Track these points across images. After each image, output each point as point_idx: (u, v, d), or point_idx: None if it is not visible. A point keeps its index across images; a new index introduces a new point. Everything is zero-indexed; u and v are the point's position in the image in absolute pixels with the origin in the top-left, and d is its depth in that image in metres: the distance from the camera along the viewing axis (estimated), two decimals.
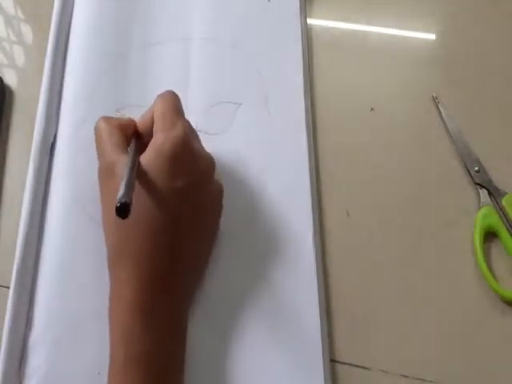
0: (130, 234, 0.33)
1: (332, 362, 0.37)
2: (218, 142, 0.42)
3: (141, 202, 0.32)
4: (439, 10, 0.50)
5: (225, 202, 0.39)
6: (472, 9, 0.50)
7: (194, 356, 0.36)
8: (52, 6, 0.46)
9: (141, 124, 0.37)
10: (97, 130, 0.37)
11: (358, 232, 0.41)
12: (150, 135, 0.35)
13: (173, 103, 0.36)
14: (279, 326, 0.37)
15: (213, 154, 0.41)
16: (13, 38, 0.48)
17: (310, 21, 0.49)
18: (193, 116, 0.43)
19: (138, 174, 0.32)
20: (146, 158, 0.33)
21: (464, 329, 0.39)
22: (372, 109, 0.45)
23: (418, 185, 0.43)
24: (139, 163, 0.33)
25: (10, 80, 0.46)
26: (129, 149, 0.35)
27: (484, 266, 0.39)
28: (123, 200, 0.29)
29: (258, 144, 0.43)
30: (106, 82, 0.44)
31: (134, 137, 0.36)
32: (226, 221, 0.40)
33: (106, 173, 0.35)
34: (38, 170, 0.40)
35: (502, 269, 0.40)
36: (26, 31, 0.48)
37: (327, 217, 0.41)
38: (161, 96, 0.37)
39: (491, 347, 0.38)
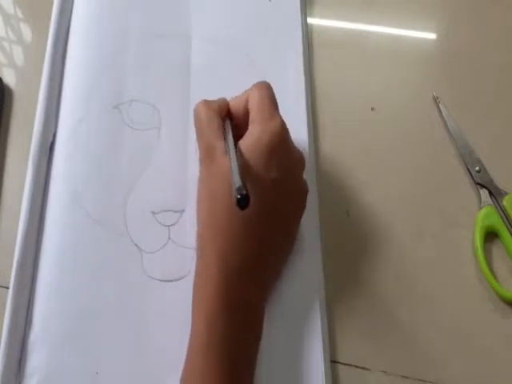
0: (224, 222, 0.33)
1: (332, 362, 0.37)
2: None
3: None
4: (439, 9, 0.50)
5: None
6: (472, 9, 0.50)
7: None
8: (51, 6, 0.46)
9: (234, 106, 0.37)
10: (196, 113, 0.37)
11: (358, 232, 0.41)
12: (241, 118, 0.36)
13: (270, 94, 0.36)
14: (279, 326, 0.37)
15: None
16: (12, 37, 0.48)
17: (310, 21, 0.49)
18: (193, 116, 0.43)
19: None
20: (244, 147, 0.34)
21: (464, 329, 0.39)
22: (372, 108, 0.45)
23: (419, 185, 0.43)
24: (242, 146, 0.34)
25: (10, 79, 0.46)
26: (226, 129, 0.36)
27: (485, 266, 0.39)
28: (244, 192, 0.29)
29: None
30: (105, 81, 0.44)
31: (228, 119, 0.37)
32: None
33: (207, 155, 0.35)
34: (37, 170, 0.40)
35: (502, 269, 0.40)
36: (26, 31, 0.48)
37: (327, 217, 0.41)
38: (258, 85, 0.36)
39: (492, 348, 0.38)
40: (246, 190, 0.29)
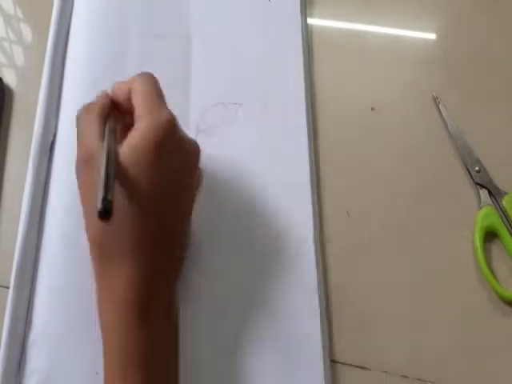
0: (118, 230, 0.31)
1: (332, 362, 0.37)
2: (218, 142, 0.42)
3: (125, 193, 0.31)
4: (439, 9, 0.50)
5: (225, 202, 0.40)
6: (472, 9, 0.50)
7: (194, 356, 0.36)
8: (51, 6, 0.46)
9: (117, 94, 0.35)
10: (76, 121, 0.35)
11: (358, 232, 0.41)
12: (128, 104, 0.34)
13: (156, 86, 0.34)
14: (279, 326, 0.37)
15: (213, 154, 0.42)
16: (12, 37, 0.48)
17: (310, 21, 0.49)
18: (193, 116, 0.43)
19: (121, 160, 0.31)
20: (129, 147, 0.32)
21: (464, 329, 0.39)
22: (372, 108, 0.45)
23: (419, 185, 0.43)
24: (125, 147, 0.31)
25: (10, 80, 0.46)
26: (105, 132, 0.33)
27: (484, 266, 0.39)
28: (104, 205, 0.27)
29: (258, 144, 0.43)
30: (104, 81, 0.43)
31: (111, 117, 0.35)
32: (226, 221, 0.40)
33: (83, 164, 0.33)
34: (37, 170, 0.40)
35: (502, 269, 0.40)
36: (26, 31, 0.48)
37: (327, 217, 0.41)
38: (141, 76, 0.35)
39: (491, 347, 0.38)
40: (109, 203, 0.27)
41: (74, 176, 0.41)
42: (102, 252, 0.32)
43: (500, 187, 0.42)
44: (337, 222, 0.41)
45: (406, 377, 0.37)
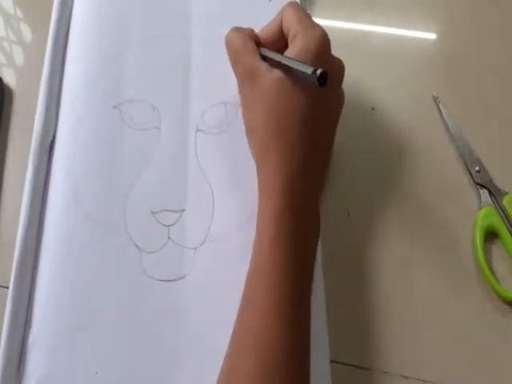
0: (283, 121, 0.35)
1: (332, 362, 0.37)
2: (218, 142, 0.42)
3: (293, 92, 0.35)
4: (439, 10, 0.50)
5: (225, 201, 0.40)
6: (472, 9, 0.50)
7: (195, 355, 0.36)
8: (51, 6, 0.46)
9: (264, 35, 0.39)
10: (229, 40, 0.39)
11: (358, 232, 0.41)
12: (274, 46, 0.38)
13: (302, 9, 0.38)
14: None
15: (213, 154, 0.42)
16: (12, 37, 0.48)
17: None
18: (193, 116, 0.43)
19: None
20: (294, 53, 0.35)
21: (464, 329, 0.38)
22: (372, 108, 0.45)
23: (419, 184, 0.43)
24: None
25: (10, 79, 0.46)
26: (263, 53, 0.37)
27: (485, 266, 0.39)
28: (321, 69, 0.32)
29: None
30: (105, 81, 0.44)
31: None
32: (226, 220, 0.39)
33: (249, 77, 0.36)
34: (37, 169, 0.40)
35: (502, 269, 0.40)
36: (26, 31, 0.48)
37: (327, 217, 0.41)
38: (289, 4, 0.38)
39: (492, 348, 0.38)
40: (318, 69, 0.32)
41: (73, 175, 0.41)
42: (265, 140, 0.36)
43: (500, 187, 0.42)
44: (337, 222, 0.41)
45: (406, 377, 0.37)
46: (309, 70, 0.32)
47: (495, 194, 0.42)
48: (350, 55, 0.47)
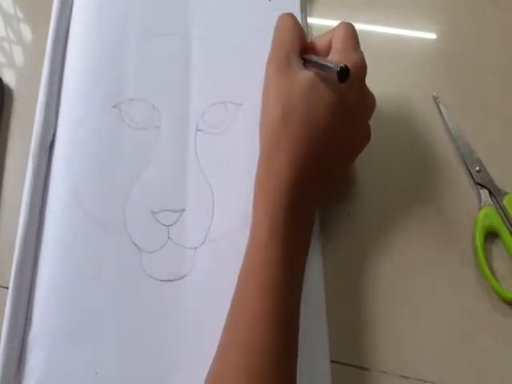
0: (297, 121, 0.35)
1: (332, 362, 0.37)
2: (218, 141, 0.42)
3: (318, 95, 0.35)
4: (439, 9, 0.50)
5: (225, 201, 0.40)
6: (472, 9, 0.50)
7: (194, 355, 0.36)
8: (51, 6, 0.46)
9: (314, 45, 0.40)
10: (283, 20, 0.39)
11: (358, 232, 0.41)
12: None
13: (354, 32, 0.38)
14: None
15: (213, 154, 0.42)
16: (12, 37, 0.48)
17: (310, 20, 0.49)
18: (193, 116, 0.43)
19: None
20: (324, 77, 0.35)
21: (464, 329, 0.38)
22: None
23: (419, 184, 0.43)
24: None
25: (10, 79, 0.46)
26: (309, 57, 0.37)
27: (485, 266, 0.39)
28: (342, 64, 0.32)
29: (257, 144, 0.42)
30: (104, 81, 0.44)
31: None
32: (226, 220, 0.39)
33: (283, 63, 0.37)
34: (36, 169, 0.40)
35: (502, 269, 0.40)
36: (26, 31, 0.48)
37: (327, 217, 0.41)
38: (344, 24, 0.38)
39: (492, 348, 0.38)
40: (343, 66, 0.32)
41: (73, 175, 0.41)
42: (274, 137, 0.36)
43: (501, 187, 0.42)
44: (337, 221, 0.41)
45: (406, 377, 0.37)
46: (332, 66, 0.33)
47: (495, 194, 0.42)
48: None
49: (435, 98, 0.45)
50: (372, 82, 0.46)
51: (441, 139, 0.44)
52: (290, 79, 0.36)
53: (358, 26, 0.48)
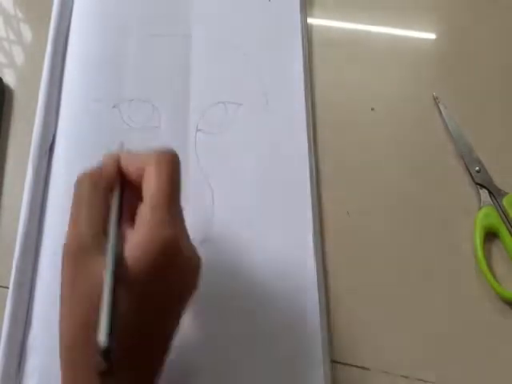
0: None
1: (332, 362, 0.37)
2: (217, 142, 0.42)
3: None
4: (439, 9, 0.50)
5: (225, 201, 0.40)
6: (472, 8, 0.50)
7: (193, 356, 0.36)
8: (51, 6, 0.46)
9: (128, 168, 0.31)
10: (78, 188, 0.30)
11: (358, 232, 0.41)
12: (136, 182, 0.30)
13: (172, 178, 0.30)
14: (280, 326, 0.37)
15: (213, 154, 0.42)
16: (12, 37, 0.48)
17: (310, 20, 0.49)
18: (193, 116, 0.43)
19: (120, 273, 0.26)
20: (130, 260, 0.27)
21: (464, 329, 0.38)
22: (372, 109, 0.45)
23: (418, 184, 0.43)
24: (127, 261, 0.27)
25: (10, 79, 0.46)
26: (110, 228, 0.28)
27: (484, 266, 0.39)
28: (107, 344, 0.23)
29: (258, 144, 0.42)
30: (104, 81, 0.44)
31: (117, 191, 0.30)
32: (225, 220, 0.39)
33: (77, 254, 0.27)
34: (36, 170, 0.40)
35: (502, 269, 0.40)
36: (26, 31, 0.48)
37: (327, 217, 0.41)
38: (158, 162, 0.29)
39: (492, 347, 0.38)
40: (112, 343, 0.23)
41: (73, 176, 0.41)
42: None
43: (500, 187, 0.42)
44: (337, 221, 0.41)
45: (405, 377, 0.37)
46: (102, 327, 0.23)
47: (495, 194, 0.42)
48: (350, 55, 0.47)
49: (435, 98, 0.45)
50: (372, 82, 0.46)
51: (440, 139, 0.44)
52: (84, 275, 0.27)
53: (358, 26, 0.49)
